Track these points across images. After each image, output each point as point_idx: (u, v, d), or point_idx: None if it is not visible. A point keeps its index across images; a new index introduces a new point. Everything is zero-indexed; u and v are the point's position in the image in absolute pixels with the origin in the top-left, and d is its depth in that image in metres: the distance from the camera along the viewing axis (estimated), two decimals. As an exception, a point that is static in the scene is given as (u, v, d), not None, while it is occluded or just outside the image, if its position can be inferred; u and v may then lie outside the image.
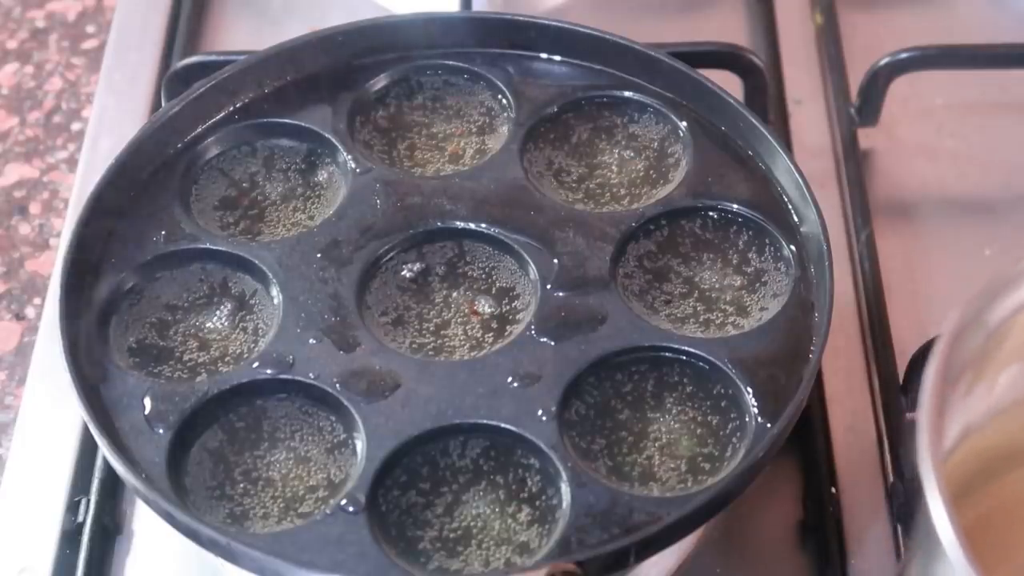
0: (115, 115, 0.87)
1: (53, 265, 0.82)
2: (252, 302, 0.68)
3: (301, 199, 0.72)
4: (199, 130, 0.73)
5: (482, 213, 0.69)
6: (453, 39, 0.76)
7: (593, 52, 0.75)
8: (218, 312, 0.67)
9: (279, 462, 0.63)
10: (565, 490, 0.60)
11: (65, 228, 0.83)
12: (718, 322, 0.67)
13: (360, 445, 0.62)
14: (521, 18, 0.75)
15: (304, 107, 0.74)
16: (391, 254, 0.69)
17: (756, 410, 0.63)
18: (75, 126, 0.90)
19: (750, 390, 0.63)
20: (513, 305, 0.68)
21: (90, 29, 0.96)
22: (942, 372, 0.52)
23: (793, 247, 0.68)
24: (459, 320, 0.67)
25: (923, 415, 0.51)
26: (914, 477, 0.69)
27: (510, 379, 0.63)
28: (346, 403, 0.63)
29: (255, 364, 0.64)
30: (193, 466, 0.62)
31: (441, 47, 0.76)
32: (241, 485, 0.62)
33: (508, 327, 0.67)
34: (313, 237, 0.69)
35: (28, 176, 0.88)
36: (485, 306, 0.67)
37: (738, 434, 0.63)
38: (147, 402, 0.63)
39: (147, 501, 0.60)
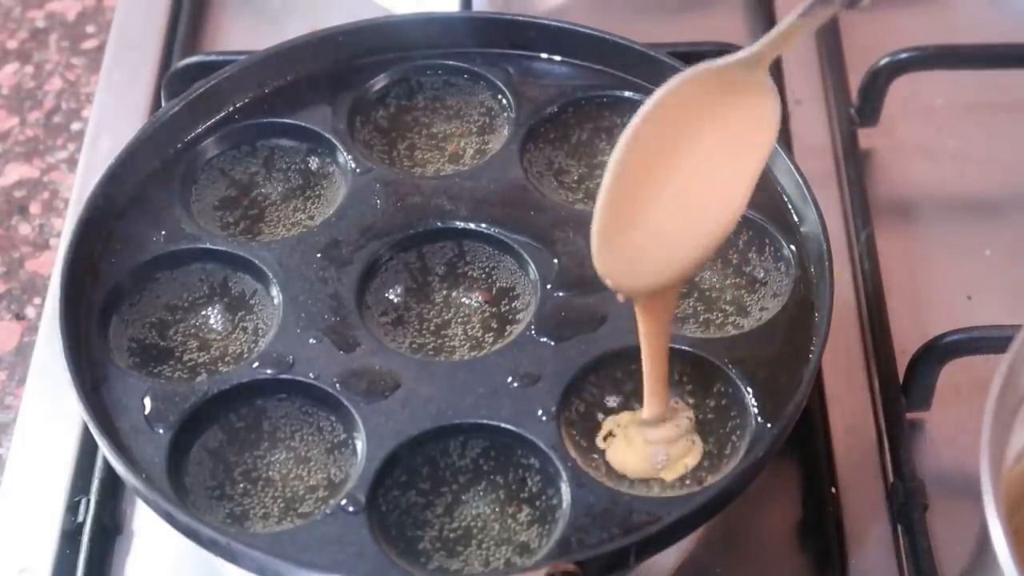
0: (115, 115, 0.87)
1: (53, 265, 0.82)
2: (252, 302, 0.68)
3: (301, 199, 0.72)
4: (199, 130, 0.73)
5: (482, 213, 0.69)
6: (453, 39, 0.76)
7: (593, 52, 0.75)
8: (218, 312, 0.67)
9: (279, 462, 0.63)
10: (565, 490, 0.60)
11: (65, 228, 0.83)
12: (718, 322, 0.67)
13: (360, 445, 0.62)
14: (521, 18, 0.76)
15: (304, 107, 0.74)
16: (391, 254, 0.69)
17: (756, 410, 0.63)
18: (75, 126, 0.90)
19: (750, 390, 0.63)
20: (513, 305, 0.68)
21: (90, 29, 0.96)
22: (1004, 389, 0.52)
23: (793, 247, 0.68)
24: (459, 320, 0.67)
25: (985, 434, 0.50)
26: (914, 477, 0.69)
27: (510, 379, 0.63)
28: (346, 403, 0.63)
29: (255, 364, 0.64)
30: (193, 466, 0.62)
31: (441, 47, 0.76)
32: (241, 485, 0.62)
33: (508, 327, 0.67)
34: (313, 237, 0.69)
35: (28, 176, 0.88)
36: (474, 300, 0.67)
37: (738, 433, 0.63)
38: (147, 402, 0.63)
39: (147, 501, 0.60)
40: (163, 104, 0.77)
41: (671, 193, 0.57)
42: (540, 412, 0.62)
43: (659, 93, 0.56)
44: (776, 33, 0.57)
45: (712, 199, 0.58)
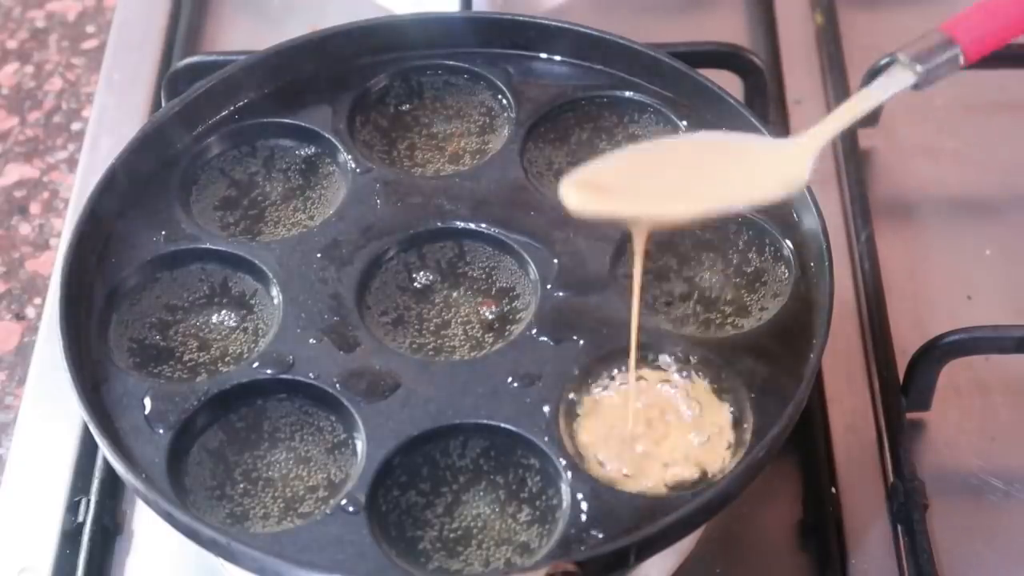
0: (115, 115, 0.87)
1: (53, 265, 0.82)
2: (252, 302, 0.68)
3: (301, 199, 0.72)
4: (199, 130, 0.73)
5: (482, 213, 0.69)
6: (453, 39, 0.76)
7: (593, 52, 0.75)
8: (218, 312, 0.67)
9: (279, 462, 0.63)
10: (565, 490, 0.60)
11: (65, 228, 0.83)
12: (718, 322, 0.67)
13: (360, 445, 0.62)
14: (521, 18, 0.76)
15: (304, 107, 0.74)
16: (391, 254, 0.69)
17: (755, 410, 0.63)
18: (75, 126, 0.90)
19: (750, 389, 0.63)
20: (513, 305, 0.68)
21: (90, 29, 0.96)
22: None
23: (793, 247, 0.68)
24: (459, 320, 0.67)
25: None
26: (914, 477, 0.69)
27: (510, 379, 0.63)
28: (346, 403, 0.63)
29: (255, 364, 0.64)
30: (193, 466, 0.62)
31: (441, 47, 0.76)
32: (241, 485, 0.62)
33: (508, 327, 0.67)
34: (313, 237, 0.69)
35: (28, 176, 0.88)
36: (487, 313, 0.67)
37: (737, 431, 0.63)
38: (147, 402, 0.63)
39: (147, 501, 0.60)
40: (163, 104, 0.77)
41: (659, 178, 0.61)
42: (540, 412, 0.62)
43: (709, 134, 0.61)
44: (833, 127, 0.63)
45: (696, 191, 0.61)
